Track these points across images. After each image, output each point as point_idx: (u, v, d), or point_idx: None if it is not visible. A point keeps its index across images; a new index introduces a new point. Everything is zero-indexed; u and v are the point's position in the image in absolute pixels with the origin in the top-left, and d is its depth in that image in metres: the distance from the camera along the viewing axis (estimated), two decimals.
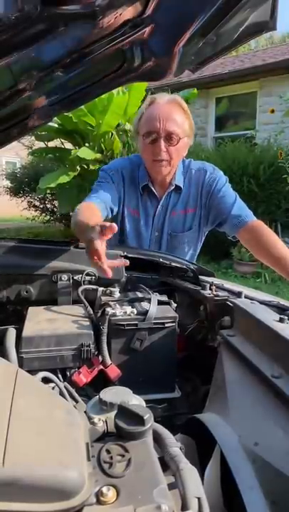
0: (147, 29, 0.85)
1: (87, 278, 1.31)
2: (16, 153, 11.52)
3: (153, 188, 1.76)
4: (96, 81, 0.99)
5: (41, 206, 10.27)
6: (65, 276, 1.30)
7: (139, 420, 0.60)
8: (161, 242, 1.80)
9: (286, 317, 0.96)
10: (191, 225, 1.79)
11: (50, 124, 6.38)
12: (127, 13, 0.78)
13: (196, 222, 1.79)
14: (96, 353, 1.06)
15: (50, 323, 1.10)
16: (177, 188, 1.76)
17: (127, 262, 1.24)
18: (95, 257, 1.09)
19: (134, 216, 1.80)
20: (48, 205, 10.12)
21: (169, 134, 1.60)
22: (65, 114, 5.70)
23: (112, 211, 1.71)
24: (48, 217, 10.34)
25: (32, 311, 1.19)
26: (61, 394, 0.90)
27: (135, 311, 1.10)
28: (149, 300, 1.15)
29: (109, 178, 1.75)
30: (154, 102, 1.65)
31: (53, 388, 0.92)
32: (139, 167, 1.78)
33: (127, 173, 1.78)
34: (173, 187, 1.75)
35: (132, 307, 1.13)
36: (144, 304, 1.15)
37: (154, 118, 1.60)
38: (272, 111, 7.83)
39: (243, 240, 1.72)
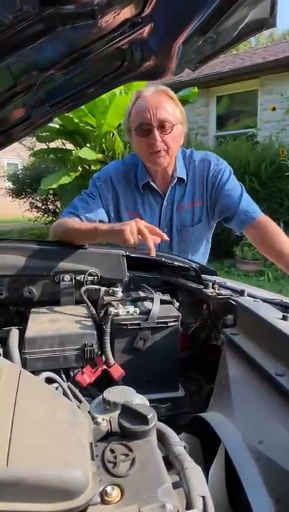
0: (146, 28, 0.85)
1: (90, 278, 1.31)
2: (18, 155, 11.54)
3: (154, 185, 1.72)
4: (96, 81, 0.99)
5: (43, 207, 10.28)
6: (67, 277, 1.30)
7: (143, 419, 0.60)
8: (172, 239, 1.76)
9: None
10: (201, 217, 1.75)
11: (51, 124, 6.40)
12: (126, 12, 0.77)
13: (204, 214, 1.75)
14: (99, 352, 1.06)
15: (53, 323, 1.10)
16: (180, 181, 1.71)
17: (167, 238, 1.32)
18: (144, 235, 1.20)
19: (133, 218, 1.74)
20: (50, 206, 10.13)
21: (161, 122, 1.55)
22: (66, 114, 5.70)
23: None
24: (50, 218, 10.36)
25: (35, 311, 1.19)
26: (65, 394, 0.90)
27: (138, 311, 1.10)
28: (151, 299, 1.15)
29: (96, 192, 1.71)
30: (140, 96, 1.62)
31: (57, 388, 0.92)
32: (136, 167, 1.74)
33: (120, 178, 1.73)
34: (175, 180, 1.70)
35: (135, 307, 1.12)
36: (147, 304, 1.15)
37: (143, 110, 1.57)
38: (274, 109, 7.82)
39: (250, 236, 1.72)
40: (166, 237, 1.28)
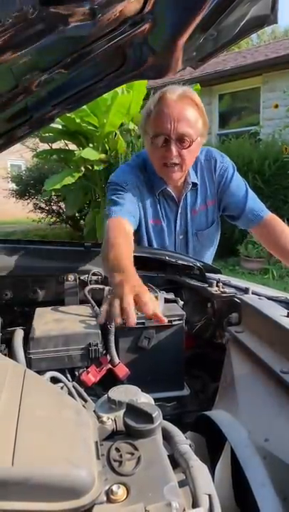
0: (147, 26, 0.84)
1: (94, 278, 1.32)
2: (21, 156, 11.55)
3: (171, 191, 1.63)
4: (97, 80, 0.99)
5: (47, 208, 10.30)
6: (71, 277, 1.30)
7: (148, 418, 0.60)
8: (188, 245, 1.71)
9: None
10: (214, 217, 1.72)
11: (53, 125, 6.42)
12: (126, 10, 0.77)
13: (216, 213, 1.71)
14: (104, 352, 1.06)
15: (57, 323, 1.10)
16: (193, 185, 1.65)
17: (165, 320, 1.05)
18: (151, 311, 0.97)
19: (157, 226, 1.68)
20: (54, 207, 10.15)
21: (180, 136, 1.45)
22: (68, 114, 5.71)
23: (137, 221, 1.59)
24: (54, 218, 10.38)
25: (39, 311, 1.19)
26: (70, 393, 0.90)
27: None
28: (156, 298, 1.15)
29: (128, 188, 1.57)
30: (163, 98, 1.48)
31: (62, 388, 0.92)
32: (151, 172, 1.62)
33: (142, 184, 1.62)
34: (190, 185, 1.63)
35: None
36: None
37: (163, 118, 1.45)
38: (276, 106, 7.79)
39: (257, 234, 1.71)
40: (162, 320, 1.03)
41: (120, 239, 1.30)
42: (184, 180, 1.63)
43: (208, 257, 1.80)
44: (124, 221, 1.43)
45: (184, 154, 1.49)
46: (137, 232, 1.61)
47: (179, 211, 1.67)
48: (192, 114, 1.48)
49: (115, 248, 1.23)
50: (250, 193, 1.69)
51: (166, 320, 1.01)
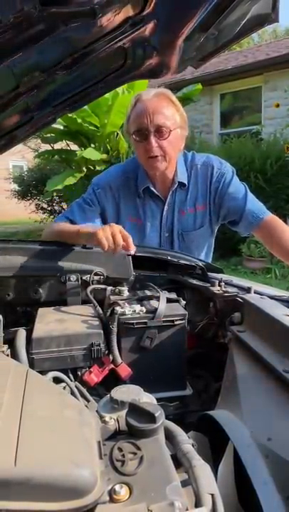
0: (148, 26, 0.84)
1: (96, 278, 1.32)
2: (23, 156, 11.58)
3: (154, 190, 1.70)
4: (98, 80, 0.99)
5: (49, 208, 10.32)
6: (73, 277, 1.30)
7: (151, 418, 0.60)
8: (172, 243, 1.75)
9: None
10: (203, 222, 1.74)
11: (55, 125, 6.42)
12: (127, 10, 0.77)
13: (207, 219, 1.74)
14: (106, 352, 1.06)
15: (59, 323, 1.10)
16: (181, 185, 1.70)
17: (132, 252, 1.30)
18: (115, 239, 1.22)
19: (136, 224, 1.74)
20: (56, 207, 10.16)
21: (158, 127, 1.54)
22: (69, 115, 5.71)
23: None
24: None
25: (42, 312, 1.20)
26: (72, 393, 0.90)
27: (144, 310, 1.10)
28: (158, 298, 1.15)
29: (94, 199, 1.71)
30: (139, 100, 1.60)
31: (64, 388, 0.92)
32: (136, 172, 1.73)
33: (120, 184, 1.72)
34: (176, 184, 1.69)
35: (141, 306, 1.12)
36: (153, 302, 1.15)
37: (141, 115, 1.56)
38: (278, 105, 7.79)
39: (259, 236, 1.72)
40: (132, 251, 1.28)
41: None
42: (171, 178, 1.69)
43: None
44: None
45: (164, 145, 1.57)
46: None
47: (165, 208, 1.73)
48: (168, 108, 1.58)
49: (65, 227, 1.55)
50: (250, 195, 1.70)
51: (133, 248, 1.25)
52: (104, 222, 1.71)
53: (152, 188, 1.70)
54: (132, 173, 1.73)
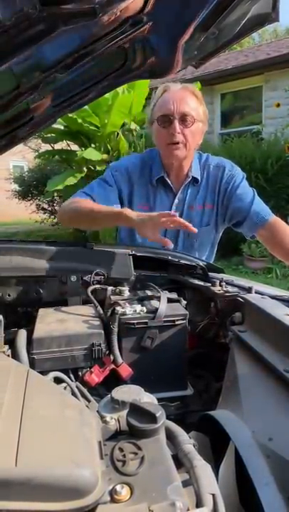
0: (148, 26, 0.84)
1: (97, 278, 1.31)
2: (23, 157, 11.59)
3: (169, 181, 1.74)
4: (98, 80, 0.99)
5: (49, 209, 10.31)
6: (74, 277, 1.30)
7: (152, 418, 0.60)
8: (177, 237, 1.76)
9: None
10: (209, 220, 1.77)
11: (55, 125, 6.42)
12: (127, 10, 0.77)
13: (213, 218, 1.77)
14: (107, 352, 1.06)
15: (60, 323, 1.10)
16: (194, 181, 1.74)
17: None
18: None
19: (144, 211, 1.74)
20: (57, 208, 10.15)
21: (183, 115, 1.60)
22: (70, 115, 5.71)
23: None
24: (57, 219, 10.38)
25: (42, 312, 1.20)
26: (73, 394, 0.90)
27: (145, 310, 1.10)
28: (158, 298, 1.15)
29: (111, 180, 1.73)
30: (167, 90, 1.66)
31: (65, 388, 0.92)
32: (152, 162, 1.76)
33: (136, 171, 1.76)
34: (190, 179, 1.73)
35: (142, 306, 1.12)
36: (154, 302, 1.14)
37: (168, 101, 1.62)
38: (278, 105, 7.79)
39: (262, 238, 1.73)
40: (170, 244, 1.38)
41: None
42: (186, 172, 1.73)
43: None
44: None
45: (187, 133, 1.63)
46: None
47: (176, 201, 1.76)
48: (193, 101, 1.65)
49: (94, 205, 1.59)
50: (257, 199, 1.73)
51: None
52: (121, 204, 1.74)
53: (166, 179, 1.74)
54: (148, 162, 1.78)
